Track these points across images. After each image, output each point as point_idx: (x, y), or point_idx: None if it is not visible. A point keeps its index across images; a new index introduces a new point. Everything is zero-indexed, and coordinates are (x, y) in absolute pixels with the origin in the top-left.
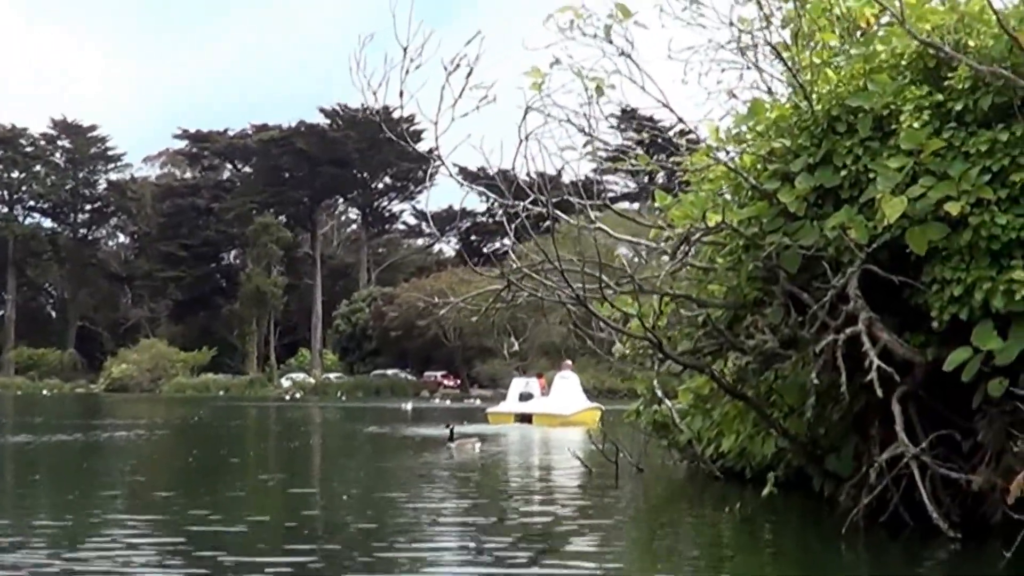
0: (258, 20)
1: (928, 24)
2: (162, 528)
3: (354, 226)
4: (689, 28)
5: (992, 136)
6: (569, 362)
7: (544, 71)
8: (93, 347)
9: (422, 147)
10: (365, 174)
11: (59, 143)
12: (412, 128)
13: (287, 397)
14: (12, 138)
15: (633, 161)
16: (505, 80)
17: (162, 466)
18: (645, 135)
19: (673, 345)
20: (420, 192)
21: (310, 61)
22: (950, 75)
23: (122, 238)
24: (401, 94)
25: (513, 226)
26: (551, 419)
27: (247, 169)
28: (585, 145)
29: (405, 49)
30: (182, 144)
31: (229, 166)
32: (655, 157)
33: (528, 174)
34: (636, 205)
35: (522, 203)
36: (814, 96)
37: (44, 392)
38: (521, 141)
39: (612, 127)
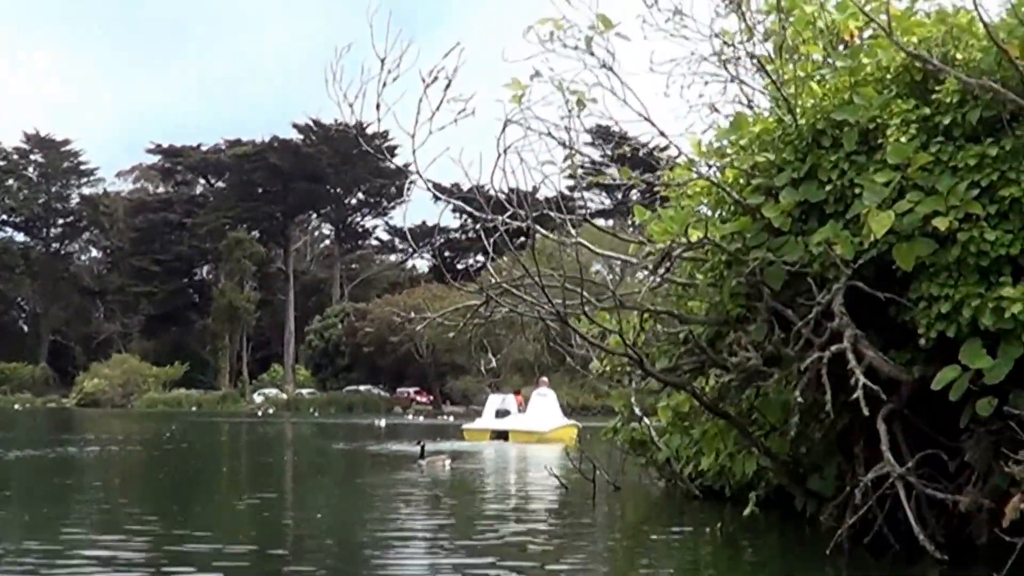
0: (231, 36)
1: (914, 37)
2: (133, 546)
3: (327, 241)
4: (671, 40)
5: (981, 150)
6: (546, 379)
7: (524, 83)
8: (65, 362)
9: (397, 162)
10: (338, 190)
11: (32, 157)
12: (386, 144)
13: (259, 413)
14: None
15: (615, 175)
16: (484, 93)
17: (133, 482)
18: (627, 148)
19: (651, 362)
20: (393, 208)
21: (283, 76)
22: (937, 88)
23: (95, 252)
24: (378, 106)
25: (492, 240)
26: (528, 436)
27: (220, 184)
28: (565, 159)
29: (382, 61)
30: (155, 159)
31: (202, 181)
32: (633, 173)
33: (505, 190)
34: (611, 222)
35: (501, 217)
36: (798, 110)
37: (16, 407)
38: (500, 155)
39: (588, 143)
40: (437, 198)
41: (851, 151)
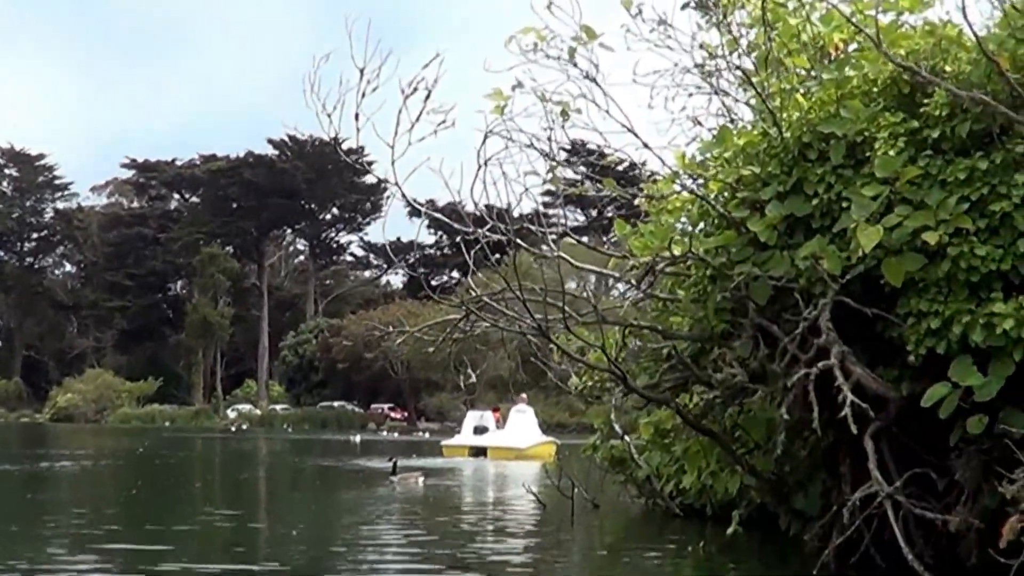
0: (206, 51)
1: (902, 49)
2: (105, 563)
3: (302, 257)
4: (655, 52)
5: (971, 164)
6: (524, 396)
7: (506, 94)
8: (39, 376)
9: (373, 177)
10: (313, 205)
11: (6, 172)
12: (362, 159)
13: (233, 428)
14: None
15: (599, 186)
16: (464, 105)
17: (106, 498)
18: (607, 162)
19: (632, 378)
20: (368, 224)
21: (259, 92)
22: (925, 101)
23: (69, 267)
24: (357, 117)
25: (472, 252)
26: (506, 452)
27: (195, 199)
28: (548, 171)
29: (361, 71)
30: (129, 174)
31: (176, 196)
32: (597, 187)
33: (484, 205)
34: (585, 239)
35: (481, 230)
36: (783, 122)
37: None
38: (480, 167)
39: (565, 161)
40: (415, 212)
41: (838, 164)
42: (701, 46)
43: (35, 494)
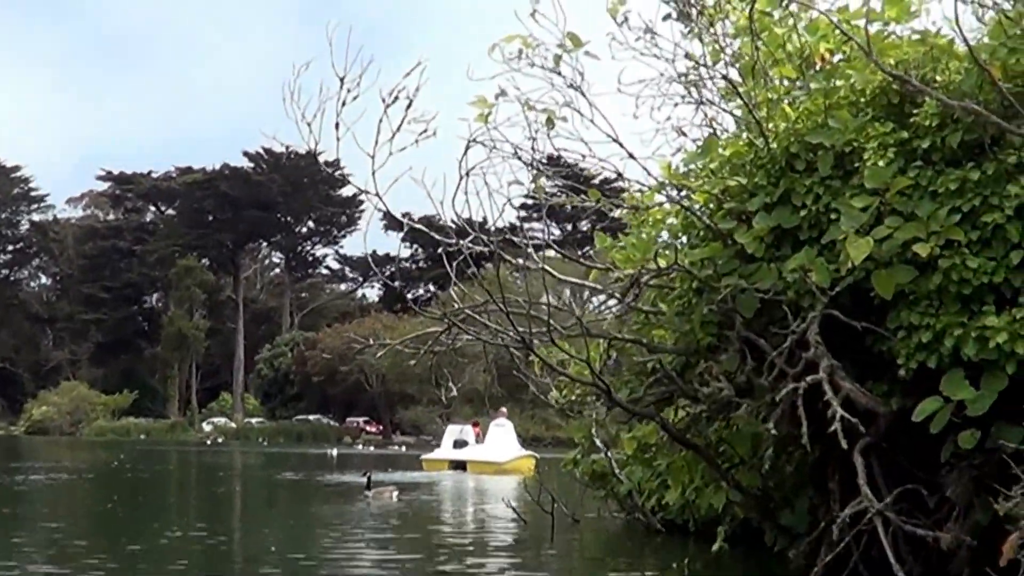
0: (182, 63)
1: (890, 58)
2: None
3: (277, 270)
4: (640, 61)
5: (962, 175)
6: (504, 410)
7: (490, 102)
8: (14, 389)
9: (350, 189)
10: (289, 218)
11: None
12: (339, 171)
13: (208, 442)
14: None
15: (583, 198)
16: (447, 114)
17: (81, 512)
18: (592, 170)
19: (615, 391)
20: (344, 236)
21: (235, 104)
22: (915, 111)
23: (44, 279)
24: (337, 126)
25: (455, 264)
26: (486, 466)
27: (170, 212)
28: (532, 181)
29: (342, 79)
30: (105, 186)
31: (152, 208)
32: (581, 197)
33: (465, 217)
34: (559, 252)
35: (464, 241)
36: (770, 133)
37: None
38: (462, 177)
39: (547, 170)
40: (392, 225)
41: (826, 175)
42: (687, 55)
43: (8, 508)
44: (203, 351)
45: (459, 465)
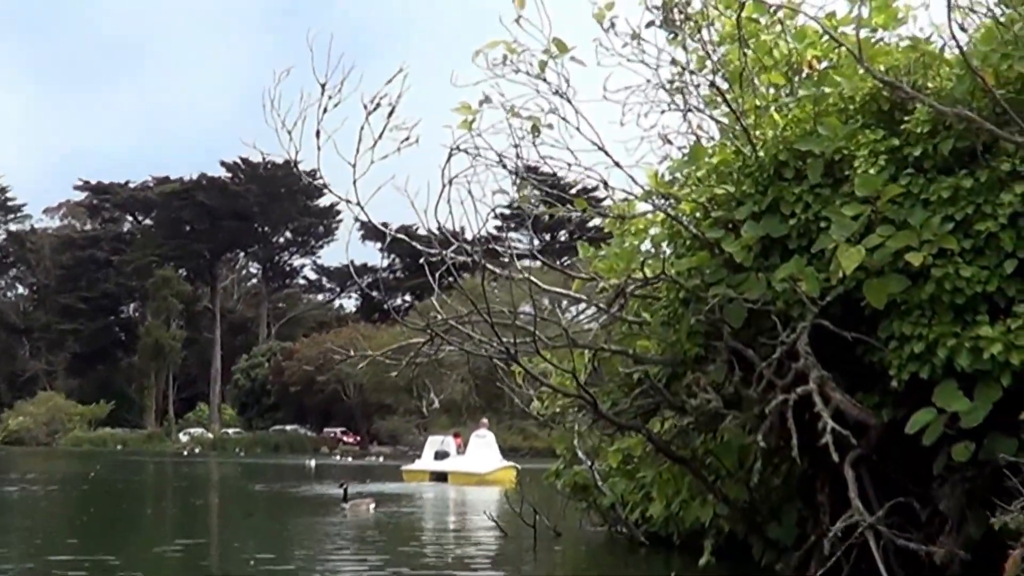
0: (160, 72)
1: (880, 65)
2: None
3: (254, 280)
4: (626, 68)
5: (955, 183)
6: (485, 420)
7: (474, 108)
8: None
9: (327, 200)
10: (266, 228)
11: None
12: (318, 179)
13: (185, 452)
14: None
15: (569, 207)
16: (429, 122)
17: (58, 524)
18: (572, 179)
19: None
20: (321, 247)
21: (212, 114)
22: (906, 118)
23: (21, 289)
24: (318, 134)
25: (438, 275)
26: (467, 477)
27: (148, 222)
28: (518, 189)
29: (323, 86)
30: (82, 196)
31: (130, 218)
32: (567, 207)
33: (447, 227)
34: (537, 263)
35: (447, 251)
36: (758, 140)
37: None
38: (444, 185)
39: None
40: (369, 235)
41: (815, 183)
42: (673, 62)
43: None
44: (180, 361)
45: (440, 476)
